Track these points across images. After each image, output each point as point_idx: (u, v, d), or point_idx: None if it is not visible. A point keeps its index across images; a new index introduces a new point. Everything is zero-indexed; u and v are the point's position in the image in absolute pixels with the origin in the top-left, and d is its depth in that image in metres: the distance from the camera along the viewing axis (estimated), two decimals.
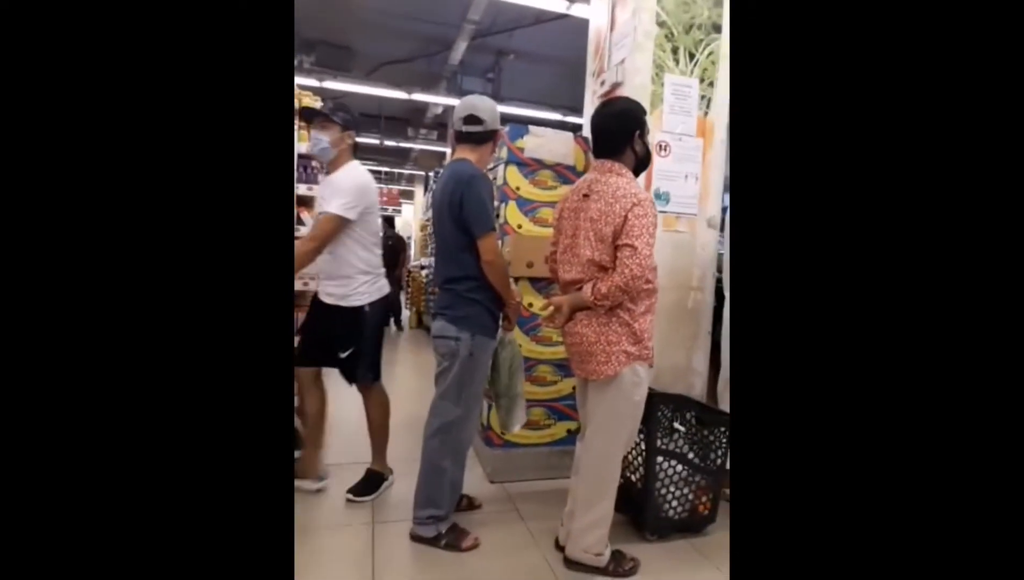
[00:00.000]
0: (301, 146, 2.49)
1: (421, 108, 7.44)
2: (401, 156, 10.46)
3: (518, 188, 2.37)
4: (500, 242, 2.42)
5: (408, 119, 8.13)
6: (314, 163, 2.59)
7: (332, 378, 4.21)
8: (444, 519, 1.80)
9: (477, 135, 1.80)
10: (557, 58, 5.81)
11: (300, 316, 2.53)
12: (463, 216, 1.69)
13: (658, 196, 2.24)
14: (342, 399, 3.61)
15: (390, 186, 12.39)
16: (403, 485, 1.97)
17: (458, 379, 1.74)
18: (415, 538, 1.81)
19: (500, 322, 1.85)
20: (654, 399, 1.79)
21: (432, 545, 1.78)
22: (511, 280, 1.92)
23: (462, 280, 1.75)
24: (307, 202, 2.63)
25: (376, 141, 8.27)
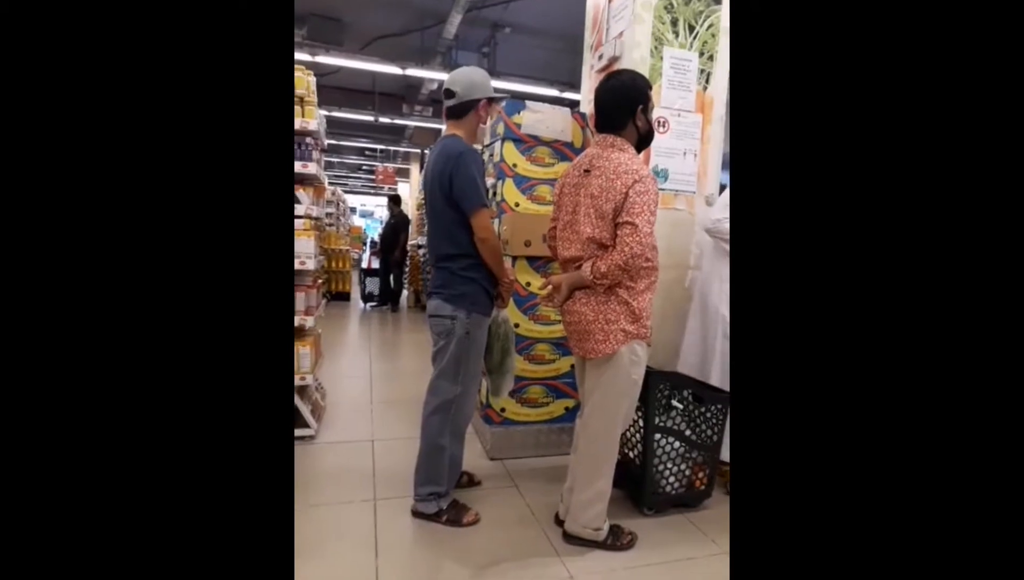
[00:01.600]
0: (296, 122, 2.44)
1: (416, 84, 7.29)
2: (396, 133, 10.30)
3: (515, 165, 2.34)
4: (497, 220, 2.40)
5: (403, 95, 7.99)
6: (308, 140, 2.54)
7: (338, 360, 4.23)
8: (445, 495, 1.82)
9: (456, 108, 1.77)
10: (554, 32, 5.67)
11: (301, 295, 2.52)
12: (454, 193, 1.68)
13: (656, 173, 2.22)
14: (343, 381, 3.64)
15: (385, 164, 12.23)
16: (404, 462, 1.99)
17: (455, 357, 1.75)
18: (416, 514, 1.84)
19: (494, 300, 1.85)
20: (652, 377, 1.80)
21: (433, 521, 1.81)
22: (505, 258, 1.91)
23: (456, 258, 1.74)
24: (302, 180, 2.59)
25: (371, 118, 8.13)
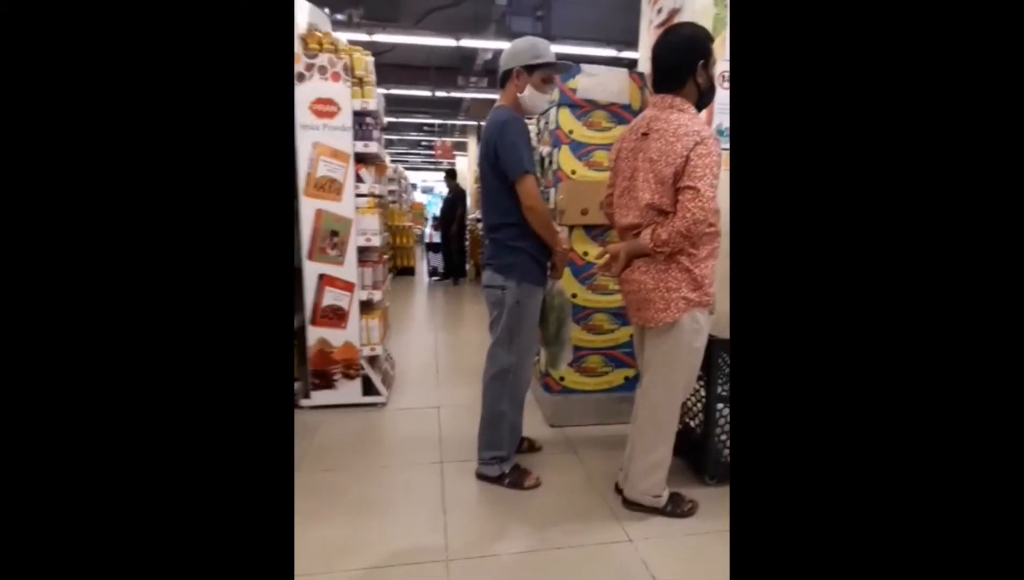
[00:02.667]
0: (355, 103, 2.51)
1: (470, 55, 7.23)
2: (453, 107, 10.32)
3: (571, 131, 2.29)
4: (553, 189, 2.38)
5: (458, 68, 7.95)
6: (368, 120, 2.61)
7: (406, 331, 4.42)
8: (506, 460, 1.90)
9: (500, 78, 1.81)
10: None
11: (368, 270, 2.64)
12: (499, 163, 1.70)
13: (720, 132, 2.09)
14: (410, 351, 3.81)
15: (443, 139, 12.34)
16: (468, 428, 2.08)
17: (507, 327, 1.79)
18: (480, 477, 1.93)
19: (548, 271, 1.85)
20: (714, 345, 1.75)
21: (496, 484, 1.89)
22: (558, 226, 1.90)
23: (503, 228, 1.77)
24: (365, 159, 2.68)
25: (427, 93, 8.19)
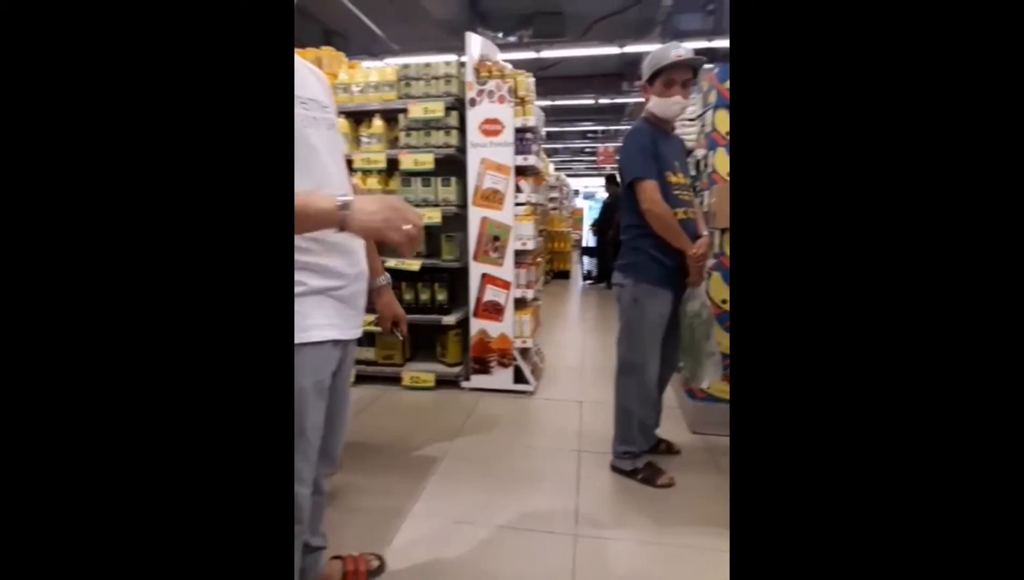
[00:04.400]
0: (516, 121, 2.79)
1: (634, 60, 7.22)
2: (617, 112, 10.35)
3: (727, 133, 2.24)
4: (707, 192, 2.34)
5: (622, 73, 7.99)
6: (527, 135, 2.87)
7: (557, 330, 4.66)
8: (639, 456, 1.95)
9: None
10: None
11: (522, 271, 2.91)
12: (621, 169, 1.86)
13: None
14: (559, 348, 4.02)
15: (606, 145, 12.42)
16: (608, 424, 2.16)
17: (626, 324, 1.88)
18: (614, 469, 2.02)
19: (673, 272, 1.83)
20: None
21: (629, 478, 1.96)
22: (705, 230, 1.90)
23: (628, 229, 1.88)
24: (524, 171, 2.95)
25: (591, 101, 8.39)
